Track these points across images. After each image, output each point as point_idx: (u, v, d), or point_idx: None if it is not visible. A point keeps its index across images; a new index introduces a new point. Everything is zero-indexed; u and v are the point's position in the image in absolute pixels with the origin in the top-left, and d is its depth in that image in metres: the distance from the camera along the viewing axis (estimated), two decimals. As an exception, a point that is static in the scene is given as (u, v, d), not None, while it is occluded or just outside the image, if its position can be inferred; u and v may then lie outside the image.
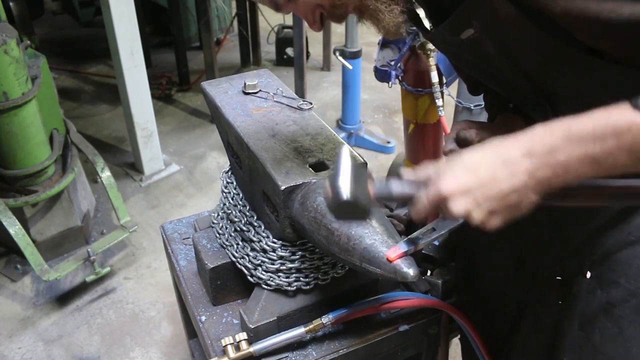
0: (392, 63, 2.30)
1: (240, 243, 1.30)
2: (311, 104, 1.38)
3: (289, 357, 1.24)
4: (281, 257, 1.21)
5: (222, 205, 1.42)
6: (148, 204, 3.39)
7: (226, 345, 1.18)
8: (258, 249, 1.24)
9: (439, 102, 2.23)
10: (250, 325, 1.19)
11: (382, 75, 2.35)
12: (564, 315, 1.15)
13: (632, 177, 0.86)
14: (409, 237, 1.00)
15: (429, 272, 1.43)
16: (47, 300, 2.69)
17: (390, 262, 0.98)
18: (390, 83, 2.34)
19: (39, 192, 2.64)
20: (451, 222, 0.96)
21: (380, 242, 1.02)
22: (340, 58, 3.47)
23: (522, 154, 0.78)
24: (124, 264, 2.91)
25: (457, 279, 1.37)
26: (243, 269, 1.28)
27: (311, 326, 1.21)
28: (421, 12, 1.06)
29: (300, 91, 3.60)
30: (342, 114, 3.95)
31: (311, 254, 1.21)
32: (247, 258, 1.27)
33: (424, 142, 2.47)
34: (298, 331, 1.21)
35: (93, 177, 3.35)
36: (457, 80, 2.38)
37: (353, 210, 0.86)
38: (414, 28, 1.09)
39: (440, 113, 2.25)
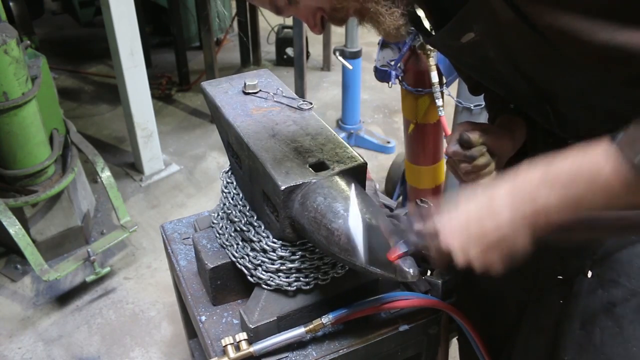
0: (392, 63, 2.30)
1: (240, 243, 1.30)
2: (311, 104, 1.37)
3: (289, 357, 1.24)
4: (281, 257, 1.21)
5: (222, 205, 1.42)
6: (148, 204, 3.39)
7: (226, 345, 1.18)
8: (258, 249, 1.24)
9: (439, 102, 2.23)
10: (250, 325, 1.19)
11: (382, 75, 2.35)
12: (564, 314, 1.15)
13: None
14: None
15: (429, 272, 1.43)
16: (47, 300, 2.69)
17: (391, 262, 0.98)
18: (390, 83, 2.33)
19: (39, 192, 2.64)
20: None
21: (380, 242, 1.01)
22: (340, 58, 3.47)
23: (505, 204, 0.83)
24: (124, 264, 2.91)
25: (457, 279, 1.37)
26: (243, 269, 1.28)
27: (311, 326, 1.21)
28: (422, 15, 1.06)
29: (300, 91, 3.59)
30: (342, 114, 3.95)
31: (311, 254, 1.21)
32: (247, 258, 1.26)
33: (424, 142, 2.47)
34: (298, 331, 1.21)
35: (93, 177, 3.35)
36: (457, 80, 2.38)
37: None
38: (414, 29, 1.09)
39: (440, 113, 2.26)
